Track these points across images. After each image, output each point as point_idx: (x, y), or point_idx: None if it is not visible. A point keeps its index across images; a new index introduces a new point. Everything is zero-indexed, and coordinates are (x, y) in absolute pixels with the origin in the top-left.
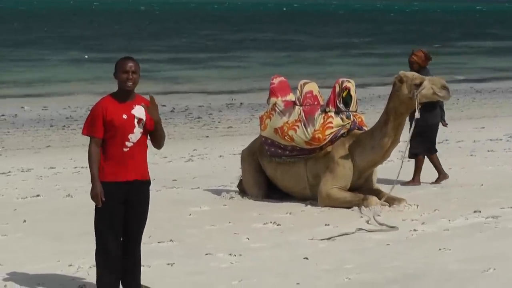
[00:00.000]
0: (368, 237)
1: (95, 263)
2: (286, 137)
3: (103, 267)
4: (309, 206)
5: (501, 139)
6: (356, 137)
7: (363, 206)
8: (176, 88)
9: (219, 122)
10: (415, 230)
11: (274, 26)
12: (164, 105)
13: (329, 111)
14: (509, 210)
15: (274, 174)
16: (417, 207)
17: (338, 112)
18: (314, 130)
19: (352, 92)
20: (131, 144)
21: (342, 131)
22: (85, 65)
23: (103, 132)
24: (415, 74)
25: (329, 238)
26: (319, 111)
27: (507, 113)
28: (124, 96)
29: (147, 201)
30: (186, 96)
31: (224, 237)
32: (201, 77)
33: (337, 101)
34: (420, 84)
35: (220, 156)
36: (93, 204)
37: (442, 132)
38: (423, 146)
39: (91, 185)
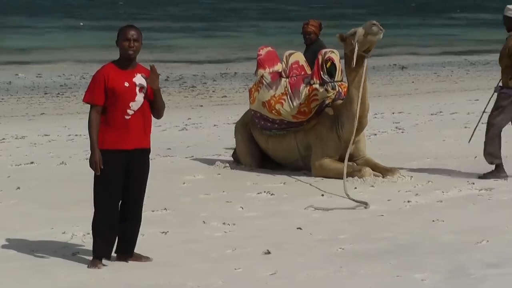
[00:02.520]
0: (362, 207)
1: (91, 229)
2: (273, 111)
3: (100, 233)
4: (303, 176)
5: None
6: (336, 108)
7: (356, 177)
8: (170, 56)
9: (213, 91)
10: (408, 201)
11: None
12: (159, 74)
13: (314, 83)
14: (503, 182)
15: (266, 146)
16: (410, 178)
17: (322, 83)
18: (300, 104)
19: (336, 62)
20: (132, 112)
21: (327, 102)
22: (80, 32)
23: (104, 100)
24: (352, 29)
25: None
26: (304, 84)
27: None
28: (126, 63)
29: (147, 168)
30: (180, 65)
31: (218, 206)
32: (195, 46)
33: (321, 73)
34: (354, 33)
35: (215, 125)
36: (87, 171)
37: (436, 104)
38: None
39: (88, 152)
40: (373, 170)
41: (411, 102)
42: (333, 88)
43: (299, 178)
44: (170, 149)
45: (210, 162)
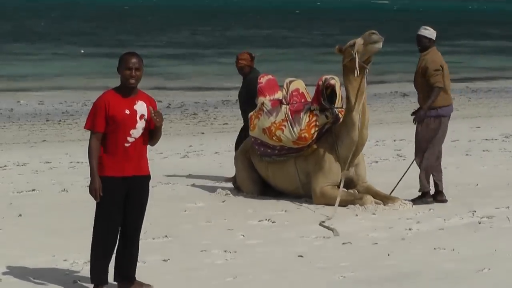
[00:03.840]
0: (364, 235)
1: (90, 255)
2: (273, 138)
3: (98, 259)
4: (304, 203)
5: (496, 139)
6: (336, 128)
7: (358, 205)
8: (172, 84)
9: (214, 118)
10: (410, 229)
11: (271, 23)
12: (160, 101)
13: (314, 109)
14: (504, 210)
15: (266, 173)
16: (412, 206)
17: (322, 109)
18: (300, 130)
19: (337, 89)
20: (133, 139)
21: (326, 127)
22: (81, 59)
23: (105, 127)
24: (350, 41)
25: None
26: (304, 110)
27: (503, 113)
28: (127, 91)
29: (147, 195)
30: (181, 92)
31: (219, 234)
32: (197, 73)
33: (321, 99)
34: (353, 44)
35: (216, 152)
36: (89, 199)
37: None
38: None
39: (89, 179)
40: (374, 197)
41: (412, 129)
42: (332, 114)
43: (300, 205)
44: (171, 176)
45: (211, 189)
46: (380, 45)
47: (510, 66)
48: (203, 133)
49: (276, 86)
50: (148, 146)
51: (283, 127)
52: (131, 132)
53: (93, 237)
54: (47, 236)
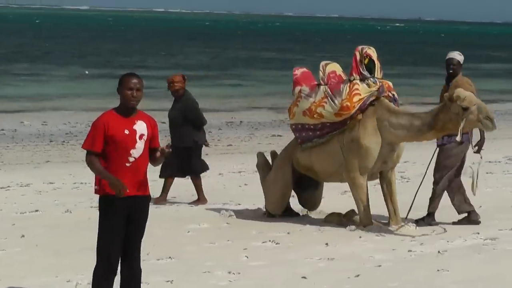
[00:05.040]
0: (367, 257)
1: (92, 275)
2: (315, 116)
3: (101, 280)
4: (307, 225)
5: (500, 161)
6: (388, 109)
7: (361, 226)
8: None
9: (218, 140)
10: (413, 250)
11: (275, 44)
12: (164, 122)
13: (354, 79)
14: (508, 232)
15: (309, 160)
16: (415, 227)
17: (363, 79)
18: (342, 100)
19: (374, 59)
20: (133, 159)
21: (371, 99)
22: (85, 80)
23: (103, 147)
24: (468, 96)
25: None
26: (343, 83)
27: (506, 136)
28: (127, 111)
29: (147, 215)
30: None
31: (223, 255)
32: (200, 95)
33: (360, 68)
34: (467, 108)
35: (220, 174)
36: (92, 219)
37: None
38: (176, 168)
39: (93, 199)
40: (392, 202)
41: (416, 151)
42: (375, 83)
43: (304, 227)
44: (175, 197)
45: (215, 210)
46: (488, 131)
47: None
48: (207, 154)
49: (311, 77)
50: (152, 167)
51: (324, 104)
52: (131, 152)
53: (96, 258)
54: (50, 257)
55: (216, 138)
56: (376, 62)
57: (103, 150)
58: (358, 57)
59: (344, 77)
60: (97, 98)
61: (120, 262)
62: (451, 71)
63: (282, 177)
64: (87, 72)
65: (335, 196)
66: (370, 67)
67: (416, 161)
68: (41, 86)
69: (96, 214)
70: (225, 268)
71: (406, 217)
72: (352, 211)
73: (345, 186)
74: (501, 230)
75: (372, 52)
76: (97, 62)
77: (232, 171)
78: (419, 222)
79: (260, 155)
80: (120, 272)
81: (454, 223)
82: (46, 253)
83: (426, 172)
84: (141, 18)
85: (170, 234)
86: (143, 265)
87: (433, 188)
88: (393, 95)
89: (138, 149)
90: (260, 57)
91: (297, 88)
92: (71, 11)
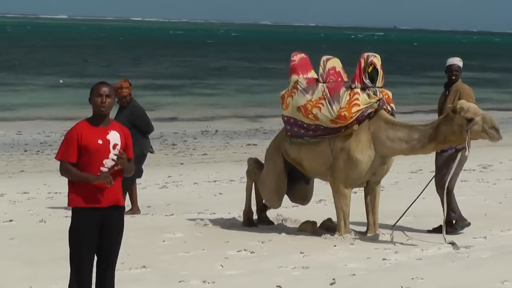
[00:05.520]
0: (342, 265)
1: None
2: (310, 116)
3: None
4: (283, 234)
5: (474, 170)
6: (386, 121)
7: (336, 234)
8: (151, 114)
9: (194, 149)
10: (388, 259)
11: (251, 53)
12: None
13: (355, 87)
14: (482, 240)
15: (299, 155)
16: (390, 236)
17: (364, 88)
18: (340, 108)
19: (378, 67)
20: (106, 169)
21: (369, 110)
22: (60, 89)
23: (77, 157)
24: (471, 107)
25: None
26: (344, 88)
27: (480, 144)
28: (99, 121)
29: (122, 226)
30: (161, 123)
31: (198, 264)
32: (176, 104)
33: (363, 77)
34: (472, 119)
35: (195, 183)
36: (66, 229)
37: (416, 162)
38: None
39: (67, 209)
40: (373, 213)
41: (405, 160)
42: (375, 94)
43: (279, 236)
44: (150, 206)
45: (190, 220)
46: (493, 141)
47: (486, 97)
48: (182, 163)
49: (309, 65)
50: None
51: (321, 105)
52: (104, 162)
53: (70, 270)
54: (24, 267)
55: (191, 147)
56: (380, 70)
57: (77, 159)
58: (362, 65)
59: (343, 74)
60: (72, 108)
61: (95, 273)
62: (453, 77)
63: (274, 168)
64: (61, 81)
65: (310, 205)
66: (373, 76)
67: (391, 169)
68: (15, 96)
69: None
70: (200, 277)
71: (394, 225)
72: (329, 220)
73: (321, 194)
74: (475, 238)
75: (377, 60)
76: (71, 72)
77: (207, 180)
78: (451, 230)
79: (251, 161)
80: (95, 282)
81: (433, 229)
82: (21, 263)
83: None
84: (117, 27)
85: (145, 244)
86: (117, 274)
87: (440, 194)
88: (391, 107)
89: (111, 159)
90: (235, 66)
91: (294, 77)
92: (47, 20)
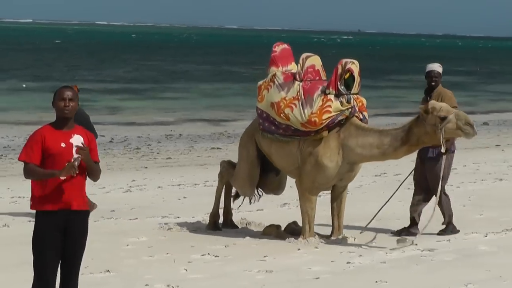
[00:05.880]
0: (306, 269)
1: None
2: (281, 115)
3: None
4: (247, 237)
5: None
6: (356, 128)
7: (300, 237)
8: (115, 118)
9: (158, 153)
10: (352, 262)
11: (215, 57)
12: (103, 136)
13: (329, 93)
14: (445, 243)
15: (269, 150)
16: (354, 239)
17: (338, 95)
18: (311, 113)
19: (355, 74)
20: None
21: (340, 117)
22: (23, 94)
23: (41, 159)
24: (443, 106)
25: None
26: (318, 91)
27: None
28: (63, 124)
29: (86, 230)
30: (125, 126)
31: (162, 268)
32: (140, 108)
33: (338, 83)
34: (445, 118)
35: (159, 187)
36: (30, 234)
37: (380, 166)
38: None
39: (31, 213)
40: (338, 217)
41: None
42: (348, 102)
43: (243, 239)
44: (114, 211)
45: (154, 224)
46: (469, 138)
47: None
48: (146, 167)
49: (291, 57)
50: (91, 181)
51: (293, 106)
52: (67, 165)
53: (34, 278)
54: None
55: (155, 151)
56: (357, 77)
57: (40, 163)
58: (339, 71)
59: (322, 72)
60: (35, 112)
61: (59, 277)
62: (433, 83)
63: (247, 155)
64: (24, 85)
65: (274, 208)
66: (349, 83)
67: (387, 173)
68: None
69: None
70: (165, 281)
71: (366, 226)
72: (294, 223)
73: (285, 198)
74: (439, 241)
75: (355, 67)
76: (34, 76)
77: (172, 184)
78: (443, 233)
79: (225, 163)
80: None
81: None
82: None
83: (399, 187)
84: (81, 31)
85: (109, 248)
86: (81, 278)
87: (436, 198)
88: (364, 115)
89: (75, 150)
90: (198, 70)
91: (272, 70)
92: (11, 24)
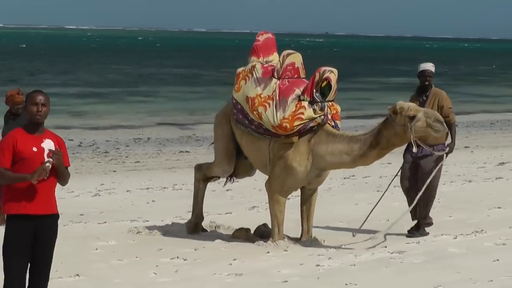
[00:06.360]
0: (275, 272)
1: None
2: (254, 112)
3: None
4: (216, 240)
5: None
6: (327, 134)
7: (269, 240)
8: (83, 122)
9: (126, 156)
10: (321, 265)
11: (181, 60)
12: (71, 139)
13: (303, 100)
14: (415, 245)
15: (240, 141)
16: (323, 242)
17: (312, 102)
18: (283, 117)
19: (333, 83)
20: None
21: (311, 124)
22: None
23: (11, 163)
24: (411, 105)
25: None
26: (293, 95)
27: None
28: (34, 128)
29: (55, 234)
30: (92, 130)
31: (131, 272)
32: (108, 112)
33: (314, 91)
34: (414, 116)
35: (128, 190)
36: (1, 238)
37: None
38: None
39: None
40: (307, 220)
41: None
42: (322, 109)
43: (212, 243)
44: (83, 215)
45: (123, 227)
46: (439, 135)
47: None
48: (114, 171)
49: (274, 47)
50: (59, 185)
51: (267, 106)
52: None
53: (4, 279)
54: None
55: (123, 155)
56: (334, 85)
57: (11, 168)
58: (316, 79)
59: (301, 70)
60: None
61: (28, 281)
62: (427, 83)
63: (222, 133)
64: None
65: (243, 212)
66: (325, 91)
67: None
68: None
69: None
70: (134, 285)
71: (360, 228)
72: (264, 225)
73: (254, 201)
74: (408, 244)
75: (333, 76)
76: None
77: (140, 188)
78: (413, 233)
79: (198, 164)
80: None
81: (408, 232)
82: None
83: (388, 187)
84: (48, 35)
85: (77, 251)
86: (50, 283)
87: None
88: (336, 124)
89: (47, 155)
90: (166, 73)
91: (253, 60)
92: None
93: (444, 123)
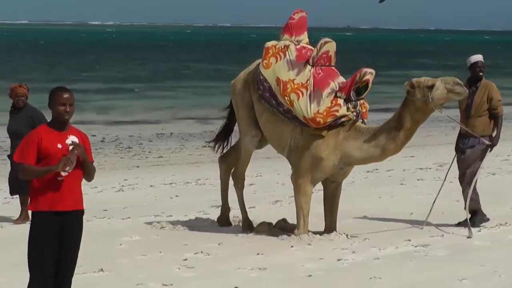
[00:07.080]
0: (299, 266)
1: None
2: (286, 98)
3: None
4: (240, 235)
5: (430, 168)
6: (355, 130)
7: (293, 234)
8: (106, 118)
9: (149, 152)
10: (345, 259)
11: (206, 56)
12: (94, 135)
13: (340, 97)
14: (439, 238)
15: (259, 116)
16: (347, 236)
17: (347, 100)
18: (318, 112)
19: (370, 84)
20: (66, 173)
21: (343, 119)
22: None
23: (36, 160)
24: (426, 78)
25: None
26: (329, 89)
27: (436, 142)
28: (60, 125)
29: (81, 230)
30: (116, 126)
31: (155, 267)
32: (130, 107)
33: (351, 91)
34: (433, 86)
35: (151, 186)
36: (24, 234)
37: None
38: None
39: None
40: (331, 214)
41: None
42: (355, 107)
43: (236, 237)
44: (106, 210)
45: (147, 222)
46: (462, 97)
47: None
48: (138, 166)
49: (305, 26)
50: (83, 180)
51: (300, 94)
52: None
53: (29, 277)
54: None
55: (146, 150)
56: (370, 86)
57: (36, 164)
58: (356, 79)
59: (333, 58)
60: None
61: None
62: (481, 73)
63: (242, 101)
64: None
65: (267, 206)
66: (361, 91)
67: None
68: None
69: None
70: (158, 280)
71: (425, 220)
72: (284, 220)
73: (277, 195)
74: (432, 237)
75: (372, 77)
76: (23, 76)
77: (164, 183)
78: (471, 224)
79: (222, 158)
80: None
81: (459, 223)
82: None
83: (445, 178)
84: (72, 31)
85: (102, 247)
86: (74, 278)
87: (466, 189)
88: (364, 121)
89: (69, 144)
90: (189, 68)
91: (286, 38)
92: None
93: (463, 85)
